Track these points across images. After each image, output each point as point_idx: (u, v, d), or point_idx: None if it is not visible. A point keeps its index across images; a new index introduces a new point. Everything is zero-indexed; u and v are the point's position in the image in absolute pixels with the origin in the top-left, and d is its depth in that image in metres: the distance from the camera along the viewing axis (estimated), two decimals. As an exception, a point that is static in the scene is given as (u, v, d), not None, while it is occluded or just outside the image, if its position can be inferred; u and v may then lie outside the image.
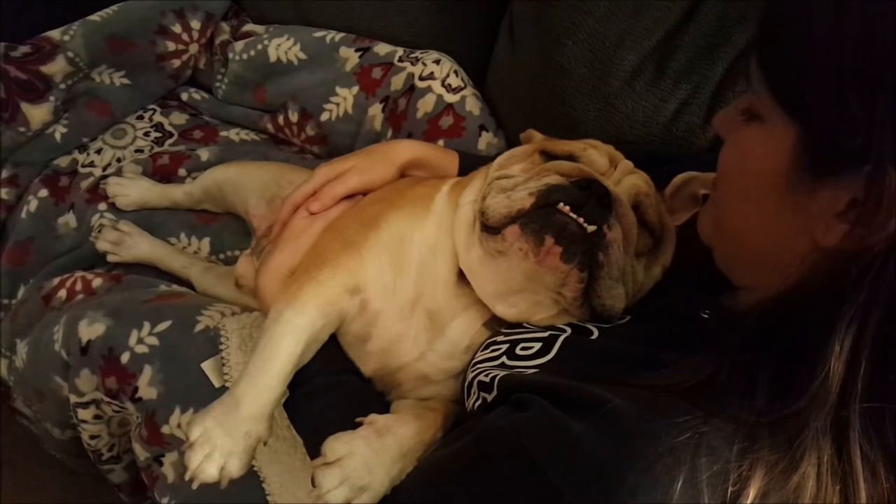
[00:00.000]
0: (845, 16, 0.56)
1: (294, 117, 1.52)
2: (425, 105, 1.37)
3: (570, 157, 0.83)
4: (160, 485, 1.04)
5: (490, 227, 0.78)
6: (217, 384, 1.01)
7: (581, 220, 0.73)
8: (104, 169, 1.45)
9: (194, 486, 0.75)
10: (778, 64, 0.63)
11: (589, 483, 0.56)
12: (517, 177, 0.81)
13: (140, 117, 1.55)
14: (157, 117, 1.56)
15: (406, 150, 1.00)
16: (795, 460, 0.55)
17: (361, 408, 0.79)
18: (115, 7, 1.49)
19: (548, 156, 0.84)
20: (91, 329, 1.06)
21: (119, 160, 1.46)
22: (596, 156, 0.83)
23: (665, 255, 0.84)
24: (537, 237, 0.74)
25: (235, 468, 0.76)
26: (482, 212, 0.79)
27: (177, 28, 1.54)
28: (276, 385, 0.78)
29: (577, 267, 0.74)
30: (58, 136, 1.46)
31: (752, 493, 0.54)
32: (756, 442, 0.56)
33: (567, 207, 0.73)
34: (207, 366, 1.02)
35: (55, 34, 1.43)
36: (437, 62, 1.41)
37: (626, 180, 0.82)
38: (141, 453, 1.05)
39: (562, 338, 0.75)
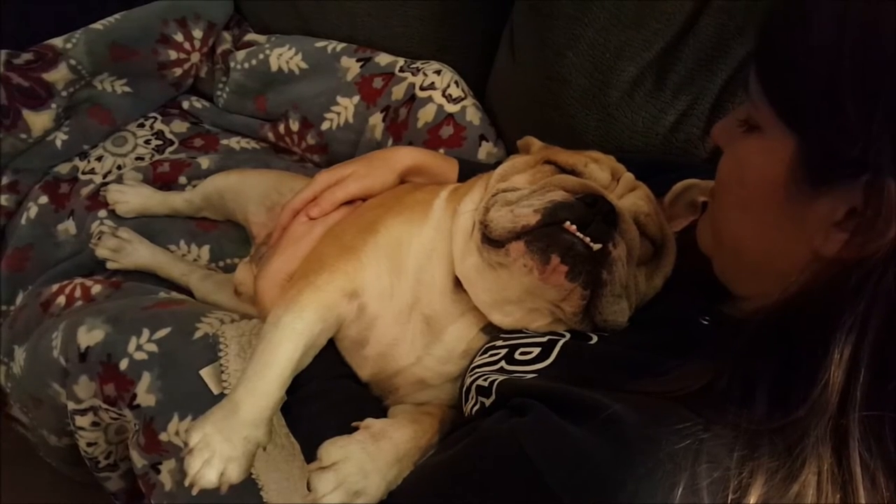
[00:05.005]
0: (843, 27, 0.56)
1: (295, 126, 1.53)
2: (426, 115, 1.38)
3: (573, 172, 0.83)
4: (157, 492, 1.03)
5: (492, 240, 0.77)
6: (216, 391, 1.00)
7: (587, 239, 0.73)
8: (105, 176, 1.45)
9: (194, 492, 0.75)
10: (776, 75, 0.63)
11: (588, 489, 0.56)
12: (521, 189, 0.81)
13: (141, 125, 1.56)
14: (158, 125, 1.56)
15: (406, 156, 1.00)
16: (795, 468, 0.55)
17: (358, 412, 0.79)
18: (117, 15, 1.50)
19: (552, 166, 0.85)
20: (90, 335, 1.06)
21: (120, 167, 1.47)
22: (598, 171, 0.83)
23: (666, 265, 0.84)
24: (543, 255, 0.73)
25: (235, 474, 0.75)
26: (485, 224, 0.78)
27: (179, 37, 1.55)
28: (275, 390, 0.78)
29: (581, 285, 0.74)
30: (59, 143, 1.46)
31: (752, 500, 0.54)
32: (756, 450, 0.56)
33: (573, 227, 0.73)
34: (206, 373, 1.01)
35: (58, 42, 1.44)
36: (438, 72, 1.41)
37: (628, 198, 0.82)
38: (138, 461, 1.04)
39: (561, 343, 0.75)
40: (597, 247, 0.73)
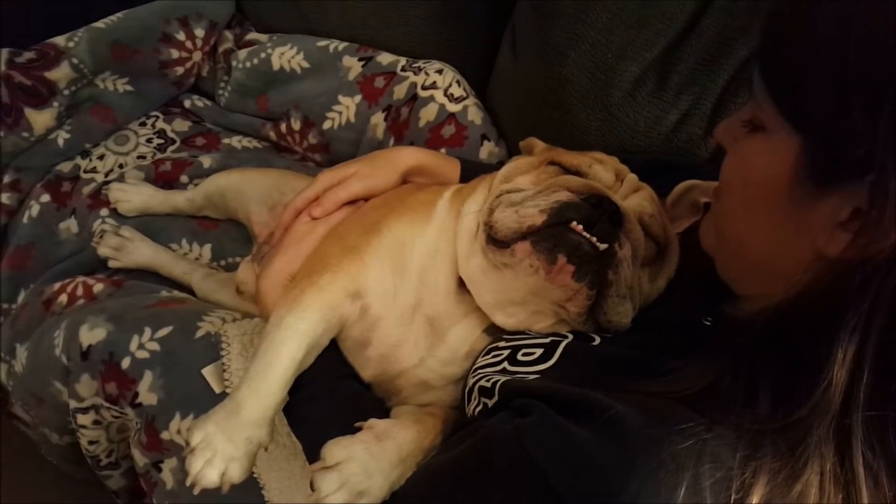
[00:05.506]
0: (848, 26, 0.56)
1: (296, 125, 1.53)
2: (427, 114, 1.38)
3: (577, 173, 0.83)
4: (159, 491, 1.03)
5: (498, 241, 0.77)
6: (218, 390, 1.00)
7: (594, 239, 0.73)
8: (106, 175, 1.45)
9: (195, 491, 0.75)
10: (781, 75, 0.63)
11: (592, 489, 0.56)
12: (526, 190, 0.80)
13: (143, 124, 1.56)
14: (160, 124, 1.56)
15: (408, 156, 1.00)
16: (798, 468, 0.55)
17: (361, 413, 0.79)
18: (119, 14, 1.50)
19: (556, 167, 0.85)
20: (92, 334, 1.06)
21: (121, 166, 1.47)
22: (602, 171, 0.83)
23: (669, 266, 0.84)
24: (549, 255, 0.73)
25: (237, 473, 0.75)
26: (490, 225, 0.78)
27: (181, 36, 1.55)
28: (277, 390, 0.78)
29: (587, 285, 0.74)
30: (61, 141, 1.46)
31: (754, 500, 0.54)
32: (759, 449, 0.56)
33: (580, 226, 0.73)
34: (208, 372, 1.02)
35: (60, 40, 1.44)
36: (440, 72, 1.42)
37: (632, 199, 0.82)
38: (140, 459, 1.05)
39: (563, 344, 0.75)
40: (603, 247, 0.73)
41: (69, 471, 1.37)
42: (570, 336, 0.77)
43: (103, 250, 1.30)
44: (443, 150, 1.34)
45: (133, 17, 1.51)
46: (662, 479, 0.55)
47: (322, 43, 1.53)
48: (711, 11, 1.11)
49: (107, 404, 1.06)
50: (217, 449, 0.75)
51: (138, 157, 1.49)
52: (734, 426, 0.57)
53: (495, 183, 0.86)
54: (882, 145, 0.54)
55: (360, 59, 1.49)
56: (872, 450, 0.55)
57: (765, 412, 0.58)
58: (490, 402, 0.72)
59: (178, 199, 1.37)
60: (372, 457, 0.73)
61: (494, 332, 0.83)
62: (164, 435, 1.00)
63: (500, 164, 1.02)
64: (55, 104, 1.43)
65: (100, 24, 1.48)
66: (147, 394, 1.02)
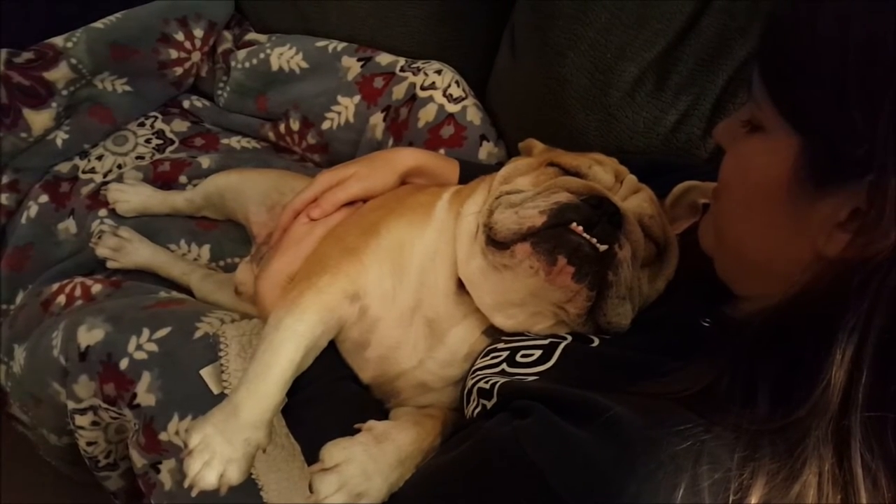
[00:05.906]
0: (848, 27, 0.56)
1: (295, 126, 1.53)
2: (426, 114, 1.38)
3: (577, 174, 0.83)
4: (157, 492, 1.03)
5: (497, 242, 0.77)
6: (216, 391, 1.00)
7: (594, 240, 0.73)
8: (105, 175, 1.45)
9: (193, 493, 0.75)
10: (780, 75, 0.63)
11: (591, 490, 0.56)
12: (525, 192, 0.80)
13: (141, 124, 1.56)
14: (159, 124, 1.56)
15: (407, 157, 1.00)
16: (796, 469, 0.55)
17: (360, 414, 0.79)
18: (118, 14, 1.50)
19: (556, 168, 0.85)
20: (90, 335, 1.06)
21: (120, 166, 1.47)
22: (601, 172, 0.83)
23: (669, 267, 0.84)
24: (549, 256, 0.73)
25: (235, 475, 0.75)
26: (489, 226, 0.78)
27: (179, 36, 1.55)
28: (276, 392, 0.78)
29: (587, 286, 0.74)
30: (59, 142, 1.46)
31: (753, 501, 0.54)
32: (757, 450, 0.56)
33: (580, 227, 0.73)
34: (206, 373, 1.01)
35: (58, 41, 1.44)
36: (439, 72, 1.41)
37: (632, 200, 0.82)
38: (138, 460, 1.04)
39: (562, 345, 0.75)
40: (603, 248, 0.73)
41: (67, 472, 1.36)
42: (569, 337, 0.77)
43: (102, 251, 1.30)
44: (442, 151, 1.34)
45: (132, 18, 1.51)
46: (661, 480, 0.55)
47: (321, 43, 1.53)
48: (711, 11, 1.11)
49: (105, 405, 1.06)
50: (215, 450, 0.75)
51: (137, 158, 1.49)
52: (733, 427, 0.57)
53: (495, 184, 0.86)
54: (882, 145, 0.54)
55: (359, 60, 1.49)
56: (871, 451, 0.55)
57: (763, 413, 0.58)
58: (489, 404, 0.72)
59: (176, 200, 1.37)
60: (371, 458, 0.73)
61: (493, 333, 0.83)
62: (163, 436, 1.00)
63: (500, 165, 1.02)
64: (53, 104, 1.43)
65: (98, 24, 1.48)
66: (145, 395, 1.02)
